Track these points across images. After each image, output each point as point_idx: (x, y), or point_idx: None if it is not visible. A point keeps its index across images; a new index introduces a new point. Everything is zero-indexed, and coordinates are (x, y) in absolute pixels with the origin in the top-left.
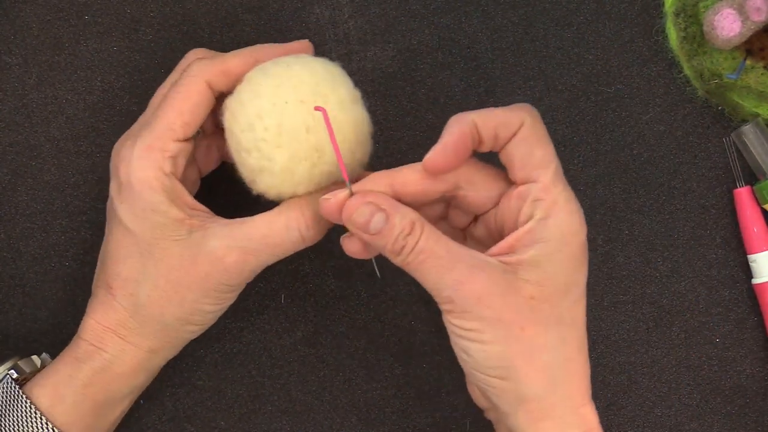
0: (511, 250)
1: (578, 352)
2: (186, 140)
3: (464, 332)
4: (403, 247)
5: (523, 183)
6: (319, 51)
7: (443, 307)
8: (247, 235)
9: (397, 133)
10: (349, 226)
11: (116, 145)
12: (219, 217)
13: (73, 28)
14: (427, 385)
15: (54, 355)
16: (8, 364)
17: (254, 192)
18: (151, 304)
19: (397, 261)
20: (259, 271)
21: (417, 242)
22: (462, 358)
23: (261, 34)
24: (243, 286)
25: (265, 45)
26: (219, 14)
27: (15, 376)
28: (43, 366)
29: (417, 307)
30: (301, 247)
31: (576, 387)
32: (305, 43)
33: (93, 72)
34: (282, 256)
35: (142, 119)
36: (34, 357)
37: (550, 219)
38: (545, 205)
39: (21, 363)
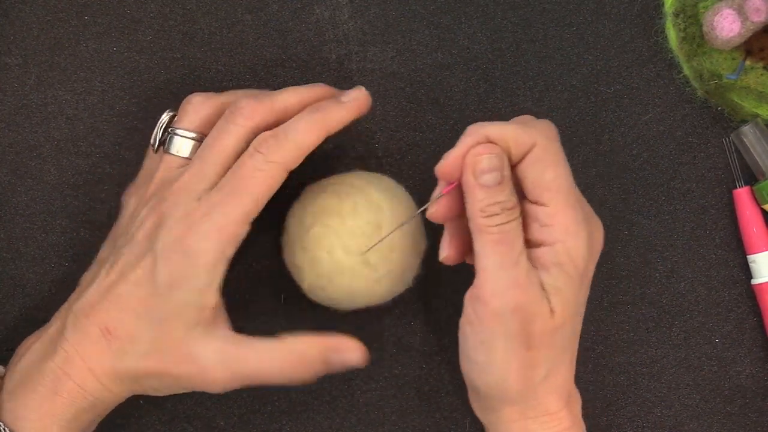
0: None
1: (570, 363)
2: None
3: (480, 332)
4: (496, 215)
5: (534, 203)
6: (319, 51)
7: (471, 291)
8: (246, 364)
9: (397, 133)
10: (467, 169)
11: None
12: (226, 318)
13: (73, 28)
14: (427, 385)
15: None
16: None
17: (299, 282)
18: (138, 367)
19: (476, 221)
20: None
21: (508, 222)
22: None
23: (261, 34)
24: None
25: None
26: (219, 14)
27: None
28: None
29: (417, 307)
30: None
31: (557, 396)
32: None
33: (93, 72)
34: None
35: (199, 173)
36: None
37: (558, 245)
38: (553, 232)
39: None
